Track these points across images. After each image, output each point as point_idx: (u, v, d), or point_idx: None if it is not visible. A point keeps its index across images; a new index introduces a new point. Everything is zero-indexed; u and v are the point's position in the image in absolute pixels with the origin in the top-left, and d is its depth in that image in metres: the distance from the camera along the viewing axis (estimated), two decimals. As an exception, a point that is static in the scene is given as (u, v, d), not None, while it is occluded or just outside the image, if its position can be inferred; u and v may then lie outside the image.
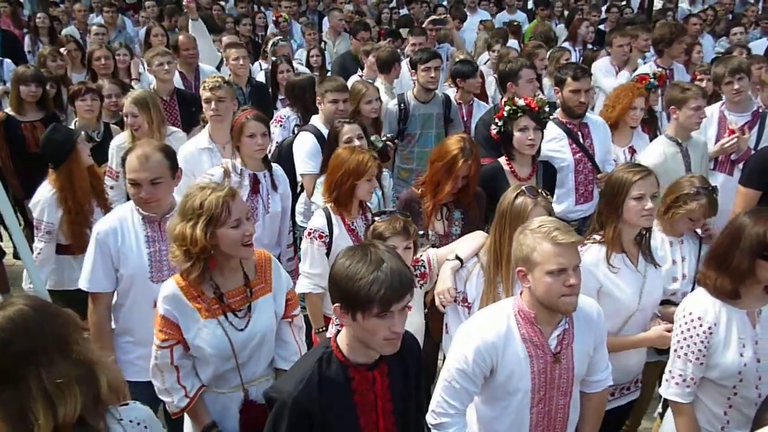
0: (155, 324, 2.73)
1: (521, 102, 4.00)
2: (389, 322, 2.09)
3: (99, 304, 3.19)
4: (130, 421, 1.92)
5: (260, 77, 6.88)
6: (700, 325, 2.69)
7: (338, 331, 2.33)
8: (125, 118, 4.74)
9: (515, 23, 9.63)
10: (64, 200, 3.92)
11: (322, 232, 3.57)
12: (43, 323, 1.80)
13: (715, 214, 3.46)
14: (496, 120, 4.09)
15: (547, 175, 4.22)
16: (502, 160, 4.09)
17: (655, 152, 4.48)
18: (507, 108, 4.01)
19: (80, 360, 1.82)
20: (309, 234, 3.60)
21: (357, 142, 4.01)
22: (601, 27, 9.84)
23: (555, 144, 4.51)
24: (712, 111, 4.96)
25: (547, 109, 4.09)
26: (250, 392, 2.79)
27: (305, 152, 4.55)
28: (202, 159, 4.39)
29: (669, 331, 2.98)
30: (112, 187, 4.56)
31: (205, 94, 4.42)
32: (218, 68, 6.77)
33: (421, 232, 3.64)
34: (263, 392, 2.59)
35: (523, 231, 2.53)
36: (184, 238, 2.57)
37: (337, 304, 2.17)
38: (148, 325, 3.05)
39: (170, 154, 3.22)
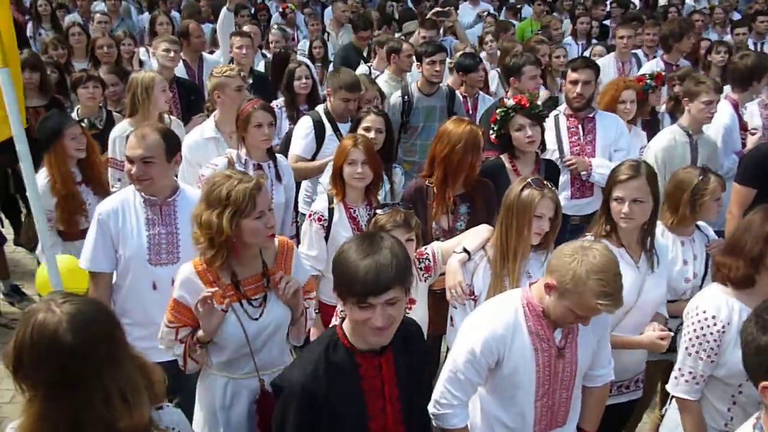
0: (168, 305, 2.77)
1: (511, 102, 3.97)
2: (369, 314, 2.10)
3: (99, 284, 3.25)
4: (166, 428, 1.92)
5: (260, 67, 6.83)
6: (714, 324, 2.68)
7: (343, 319, 2.33)
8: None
9: (517, 6, 9.60)
10: (54, 186, 4.02)
11: (322, 215, 3.65)
12: (107, 324, 1.78)
13: (724, 189, 3.49)
14: (492, 125, 4.05)
15: (549, 173, 4.15)
16: (505, 157, 4.05)
17: (665, 137, 4.53)
18: (498, 111, 3.98)
19: (137, 362, 1.83)
20: (309, 216, 3.69)
21: (372, 135, 4.02)
22: (606, 22, 9.80)
23: (548, 137, 4.46)
24: (752, 109, 5.02)
25: (539, 102, 4.05)
26: (264, 381, 2.78)
27: (296, 134, 4.69)
28: (208, 149, 4.37)
29: (662, 339, 3.00)
30: (119, 180, 4.49)
31: (236, 81, 4.45)
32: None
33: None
34: (271, 381, 2.60)
35: (590, 268, 2.36)
36: (210, 227, 2.59)
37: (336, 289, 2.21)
38: (146, 306, 3.14)
39: (169, 138, 3.25)
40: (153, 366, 1.93)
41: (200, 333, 2.67)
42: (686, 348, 2.76)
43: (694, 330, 2.73)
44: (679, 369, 2.79)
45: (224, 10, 6.58)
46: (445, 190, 3.64)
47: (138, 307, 3.21)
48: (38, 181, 3.94)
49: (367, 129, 4.06)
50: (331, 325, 2.68)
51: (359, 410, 2.25)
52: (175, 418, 1.97)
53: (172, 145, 3.24)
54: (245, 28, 6.81)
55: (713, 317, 2.69)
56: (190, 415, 3.35)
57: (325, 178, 4.12)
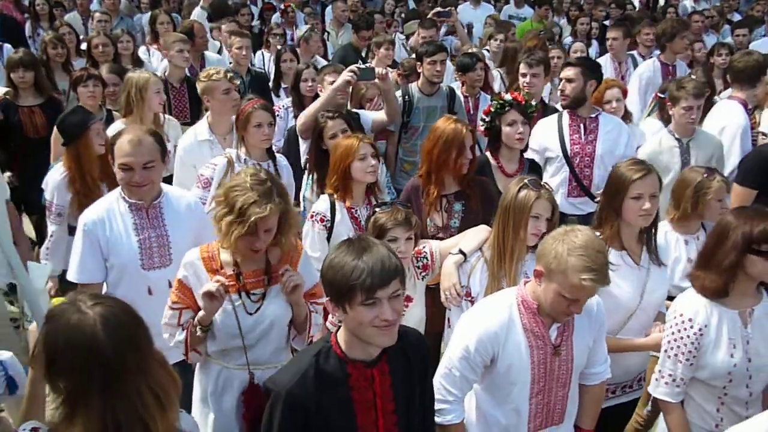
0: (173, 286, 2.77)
1: (508, 96, 4.00)
2: (377, 310, 2.05)
3: None
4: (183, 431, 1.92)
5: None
6: (691, 327, 2.70)
7: (339, 326, 2.31)
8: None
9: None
10: (73, 182, 3.94)
11: (324, 216, 3.63)
12: (137, 326, 1.78)
13: (728, 191, 3.56)
14: (483, 116, 4.08)
15: (533, 172, 4.12)
16: (488, 154, 4.06)
17: (653, 141, 4.59)
18: (494, 103, 4.01)
19: (160, 360, 1.83)
20: (311, 217, 3.67)
21: (341, 137, 3.95)
22: (606, 23, 9.81)
23: (549, 135, 4.53)
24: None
25: (533, 102, 4.07)
26: (255, 375, 2.78)
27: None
28: (202, 151, 4.36)
29: None
30: None
31: (222, 84, 4.41)
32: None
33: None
34: (263, 382, 2.61)
35: (572, 246, 2.40)
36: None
37: (327, 299, 2.17)
38: (144, 312, 3.04)
39: (159, 138, 3.23)
40: (169, 365, 1.92)
41: (201, 314, 2.68)
42: (665, 350, 2.78)
43: (672, 333, 2.75)
44: (659, 371, 2.80)
45: (197, 9, 6.59)
46: (430, 187, 3.65)
47: None
48: (53, 177, 3.98)
49: (334, 136, 4.01)
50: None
51: (348, 421, 2.20)
52: (190, 422, 1.98)
53: (163, 145, 3.22)
54: (224, 27, 6.83)
55: (690, 320, 2.70)
56: (187, 409, 3.40)
57: (307, 190, 4.10)
